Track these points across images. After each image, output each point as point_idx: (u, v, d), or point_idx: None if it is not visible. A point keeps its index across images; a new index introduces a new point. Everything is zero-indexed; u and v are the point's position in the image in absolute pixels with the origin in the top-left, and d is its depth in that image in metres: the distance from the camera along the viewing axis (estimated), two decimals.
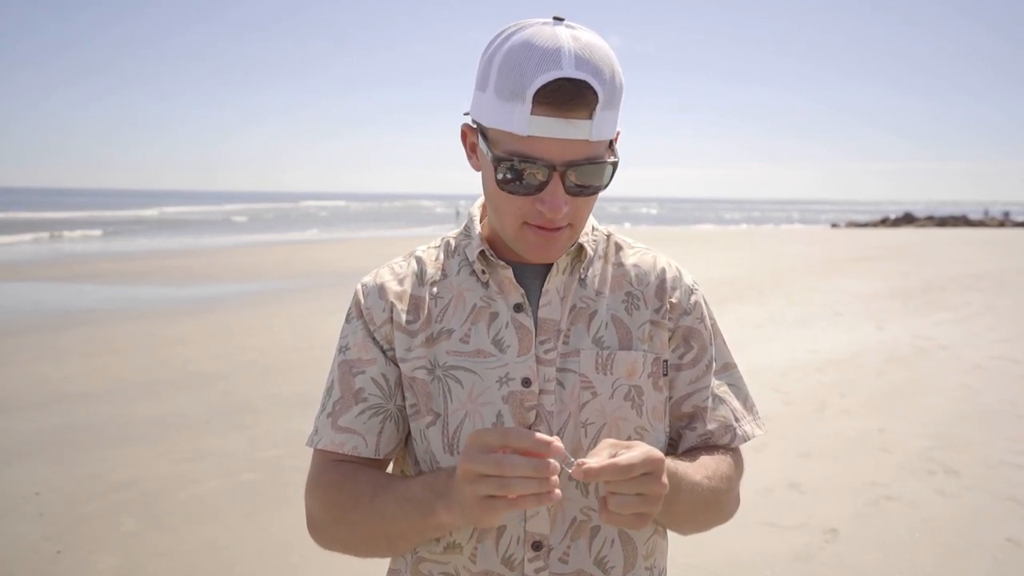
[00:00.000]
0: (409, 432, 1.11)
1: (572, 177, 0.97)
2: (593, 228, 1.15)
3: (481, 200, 1.15)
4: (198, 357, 7.45)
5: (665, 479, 0.92)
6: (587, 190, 0.99)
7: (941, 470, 4.44)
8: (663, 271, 1.14)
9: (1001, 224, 38.46)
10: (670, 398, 1.13)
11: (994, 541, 3.56)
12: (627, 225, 41.67)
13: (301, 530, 1.32)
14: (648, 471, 0.90)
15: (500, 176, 0.98)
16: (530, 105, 0.93)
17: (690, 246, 22.28)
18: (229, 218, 46.69)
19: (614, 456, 0.90)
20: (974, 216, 43.64)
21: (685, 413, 1.14)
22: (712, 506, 1.10)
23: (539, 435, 0.88)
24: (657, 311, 1.11)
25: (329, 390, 1.11)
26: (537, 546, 1.04)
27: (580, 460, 0.90)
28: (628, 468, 0.89)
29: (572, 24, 0.98)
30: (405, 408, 1.10)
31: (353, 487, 1.05)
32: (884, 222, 41.60)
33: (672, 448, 1.14)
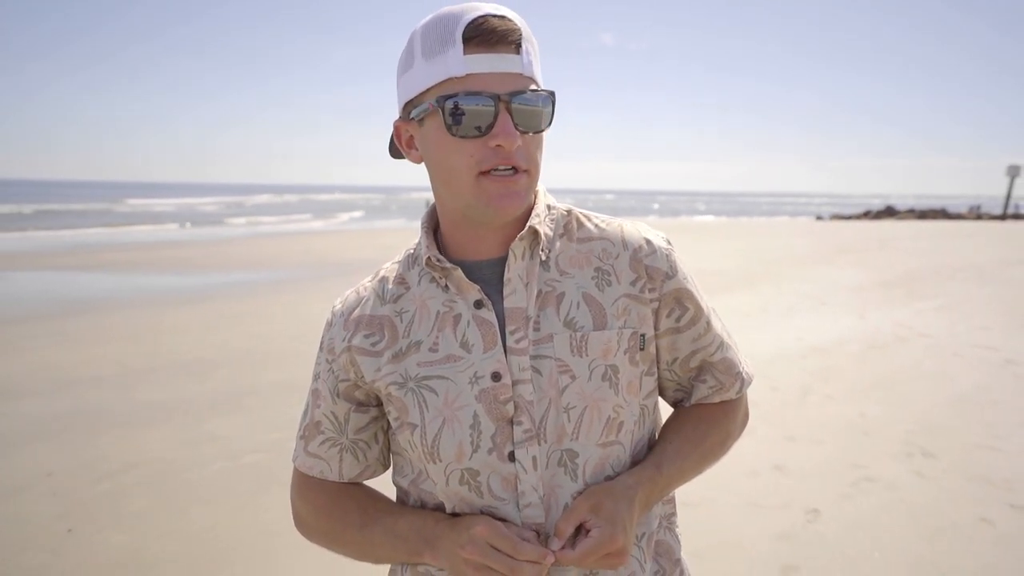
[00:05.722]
0: (389, 448, 1.18)
1: (516, 109, 0.98)
2: (550, 207, 1.12)
3: (429, 208, 1.15)
4: (200, 344, 7.54)
5: (625, 545, 1.00)
6: (533, 122, 1.00)
7: (919, 453, 4.57)
8: (632, 241, 1.11)
9: (978, 217, 38.90)
10: (675, 360, 1.15)
11: (968, 520, 3.69)
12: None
13: None
14: (606, 552, 0.99)
15: (448, 119, 0.97)
16: (461, 47, 0.96)
17: (681, 238, 22.34)
18: (230, 209, 46.37)
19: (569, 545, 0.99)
20: (953, 209, 44.09)
21: (693, 367, 1.17)
22: (703, 466, 1.17)
23: (542, 550, 0.97)
24: (633, 284, 1.08)
25: (304, 413, 1.17)
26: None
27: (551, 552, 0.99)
28: (582, 560, 0.99)
29: None
30: (360, 441, 1.15)
31: (341, 515, 1.13)
32: (867, 215, 41.91)
33: (685, 398, 1.20)
